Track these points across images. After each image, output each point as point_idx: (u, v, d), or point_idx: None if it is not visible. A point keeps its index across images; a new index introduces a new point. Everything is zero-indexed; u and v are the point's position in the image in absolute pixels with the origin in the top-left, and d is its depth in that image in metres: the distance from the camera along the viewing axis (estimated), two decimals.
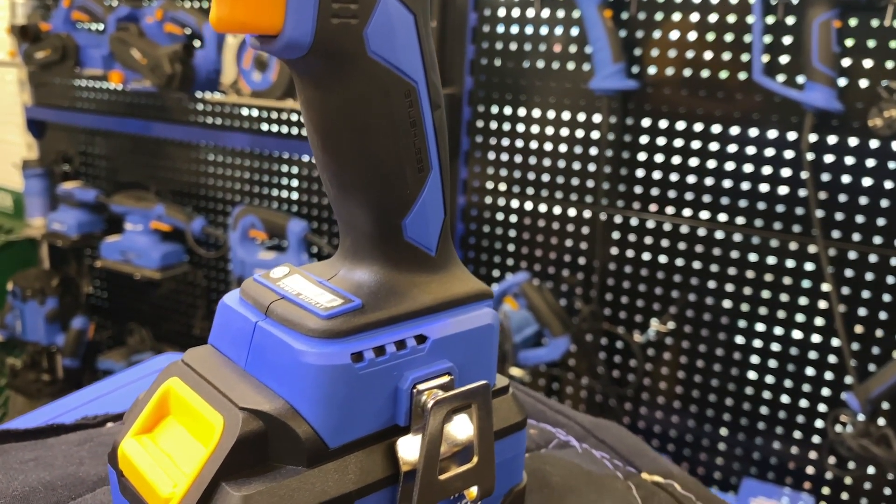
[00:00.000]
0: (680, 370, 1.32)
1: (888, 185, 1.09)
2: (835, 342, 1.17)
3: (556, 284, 1.41)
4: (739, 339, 1.25)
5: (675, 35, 1.21)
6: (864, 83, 1.08)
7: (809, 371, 1.21)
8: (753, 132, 1.18)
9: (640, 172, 1.28)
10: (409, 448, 0.32)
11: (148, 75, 1.51)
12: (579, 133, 1.33)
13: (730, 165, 1.20)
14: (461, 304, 0.35)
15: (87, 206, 1.90)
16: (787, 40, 1.12)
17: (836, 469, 1.19)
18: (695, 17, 1.19)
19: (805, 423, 1.22)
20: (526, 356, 1.33)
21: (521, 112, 1.38)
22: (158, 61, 1.48)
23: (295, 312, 0.32)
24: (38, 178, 2.01)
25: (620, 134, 1.28)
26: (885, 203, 1.10)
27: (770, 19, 1.13)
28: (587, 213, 1.35)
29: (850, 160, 1.11)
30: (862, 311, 1.14)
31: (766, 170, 1.18)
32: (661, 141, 1.25)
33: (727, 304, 1.25)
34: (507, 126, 1.39)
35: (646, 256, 1.31)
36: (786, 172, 1.16)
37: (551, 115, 1.34)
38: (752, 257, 1.21)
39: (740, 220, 1.21)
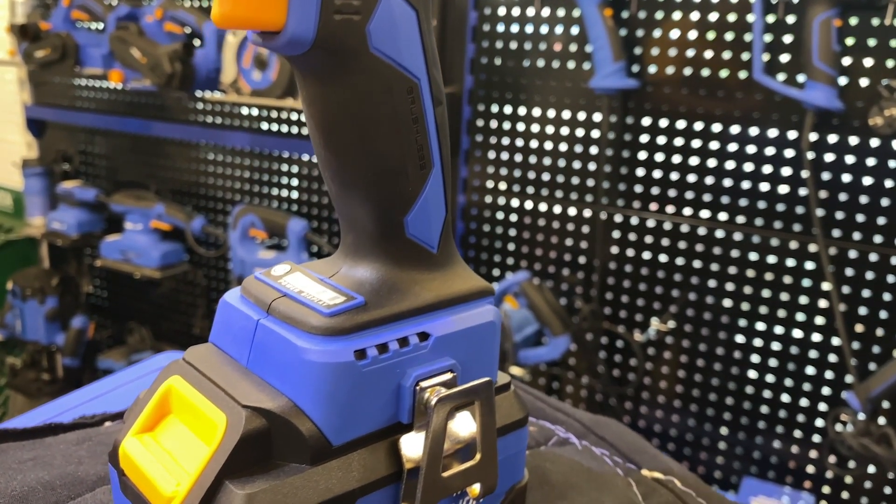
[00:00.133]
0: (680, 369, 1.32)
1: (888, 183, 1.09)
2: (835, 341, 1.17)
3: (556, 283, 1.41)
4: (740, 338, 1.25)
5: (675, 34, 1.21)
6: (864, 82, 1.08)
7: (810, 370, 1.20)
8: (754, 131, 1.18)
9: (640, 171, 1.28)
10: (412, 445, 0.32)
11: (148, 74, 1.51)
12: (579, 132, 1.33)
13: (730, 164, 1.20)
14: (463, 302, 0.35)
15: (86, 205, 1.90)
16: (787, 39, 1.12)
17: (836, 468, 1.19)
18: (695, 15, 1.19)
19: (805, 422, 1.22)
20: (526, 355, 1.33)
21: (522, 111, 1.37)
22: (158, 60, 1.48)
23: (297, 310, 0.32)
24: (37, 178, 2.01)
25: (621, 133, 1.28)
26: (885, 202, 1.10)
27: (770, 18, 1.12)
28: (587, 212, 1.35)
29: (850, 159, 1.11)
30: (862, 310, 1.14)
31: (767, 169, 1.17)
32: (661, 140, 1.25)
33: (727, 303, 1.25)
34: (507, 125, 1.39)
35: (646, 255, 1.31)
36: (786, 171, 1.16)
37: (551, 113, 1.34)
38: (753, 256, 1.21)
39: (741, 219, 1.21)
